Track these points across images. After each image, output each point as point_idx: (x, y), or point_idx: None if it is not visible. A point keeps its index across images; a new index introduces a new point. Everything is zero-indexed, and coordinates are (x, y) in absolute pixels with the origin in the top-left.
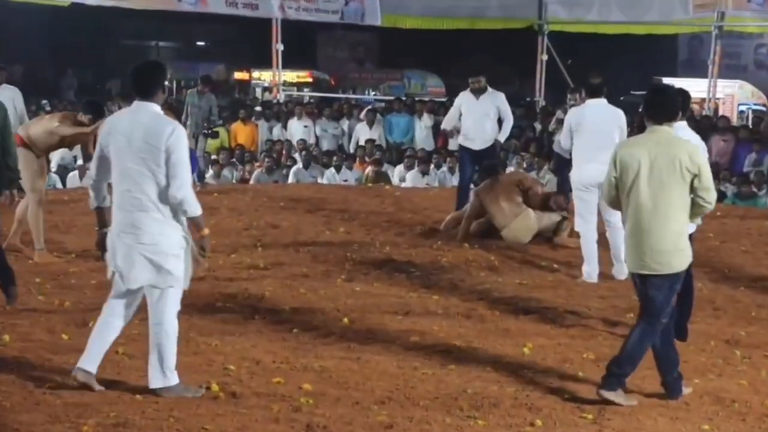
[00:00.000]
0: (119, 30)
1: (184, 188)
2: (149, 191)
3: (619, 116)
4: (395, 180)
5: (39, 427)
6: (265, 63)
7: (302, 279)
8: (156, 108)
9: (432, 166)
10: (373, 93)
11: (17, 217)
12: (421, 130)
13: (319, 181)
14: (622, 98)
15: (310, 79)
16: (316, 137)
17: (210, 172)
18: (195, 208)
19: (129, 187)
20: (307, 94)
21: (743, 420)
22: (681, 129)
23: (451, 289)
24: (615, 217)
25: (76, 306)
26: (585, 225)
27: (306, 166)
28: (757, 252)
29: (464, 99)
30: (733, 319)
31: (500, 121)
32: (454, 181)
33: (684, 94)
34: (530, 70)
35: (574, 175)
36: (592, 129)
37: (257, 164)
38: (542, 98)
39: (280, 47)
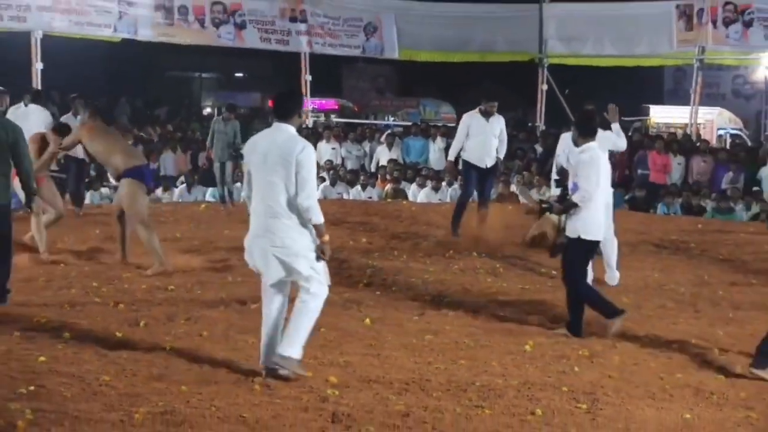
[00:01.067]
0: (165, 63)
1: (311, 198)
2: (281, 200)
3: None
4: (411, 196)
5: (96, 415)
6: None
7: (333, 280)
8: (291, 129)
9: (444, 183)
10: (392, 119)
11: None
12: (435, 151)
13: (344, 197)
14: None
15: (336, 107)
16: (342, 158)
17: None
18: (318, 217)
19: (264, 196)
20: (333, 119)
21: (720, 410)
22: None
23: (462, 293)
24: (609, 230)
25: (128, 307)
26: None
27: (333, 184)
28: (734, 260)
29: (473, 120)
30: (712, 320)
31: None
32: None
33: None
34: (532, 98)
35: None
36: None
37: None
38: (542, 123)
39: (309, 78)
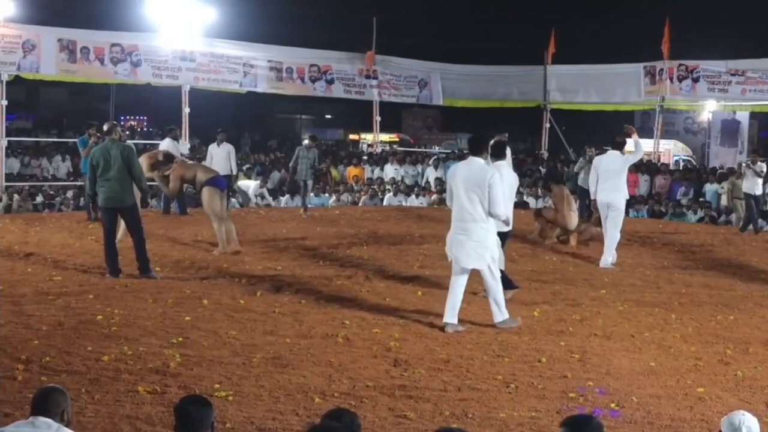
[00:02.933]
0: (276, 107)
1: (499, 208)
2: (477, 210)
3: (627, 160)
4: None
5: (225, 359)
6: (368, 128)
7: (391, 266)
8: (481, 161)
9: None
10: (438, 147)
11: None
12: None
13: (403, 204)
14: (597, 153)
15: (397, 139)
16: (401, 176)
17: (333, 198)
18: (504, 215)
19: (464, 206)
20: (395, 148)
21: (676, 360)
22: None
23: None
24: (616, 229)
25: (248, 281)
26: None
27: (395, 194)
28: (685, 251)
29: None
30: (669, 294)
31: None
32: None
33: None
34: (538, 133)
35: (599, 198)
36: (608, 169)
37: (363, 193)
38: (546, 151)
39: (378, 119)
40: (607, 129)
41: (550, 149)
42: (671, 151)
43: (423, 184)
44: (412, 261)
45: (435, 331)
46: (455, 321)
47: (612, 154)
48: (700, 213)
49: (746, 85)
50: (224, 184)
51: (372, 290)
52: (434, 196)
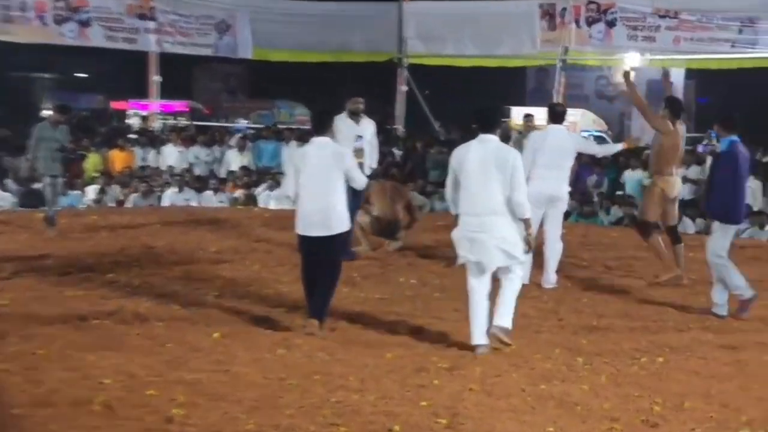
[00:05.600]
0: (2, 62)
1: (523, 195)
2: (499, 199)
3: (577, 141)
4: (262, 203)
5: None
6: (142, 93)
7: (175, 296)
8: (496, 139)
9: None
10: (245, 121)
11: None
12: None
13: (192, 204)
14: (474, 125)
15: (186, 109)
16: (189, 163)
17: (89, 196)
18: (527, 212)
19: (481, 197)
20: (181, 122)
21: (584, 422)
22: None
23: None
24: (559, 230)
25: None
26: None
27: (180, 190)
28: (596, 266)
29: (343, 122)
30: (575, 329)
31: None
32: None
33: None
34: (391, 100)
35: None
36: (553, 150)
37: (131, 188)
38: (402, 126)
39: (158, 79)
40: (487, 94)
41: (409, 123)
42: (578, 123)
43: (223, 175)
44: (205, 288)
45: (237, 391)
46: (486, 341)
47: (555, 130)
48: (618, 212)
49: (680, 32)
50: None
51: (145, 333)
52: (239, 192)
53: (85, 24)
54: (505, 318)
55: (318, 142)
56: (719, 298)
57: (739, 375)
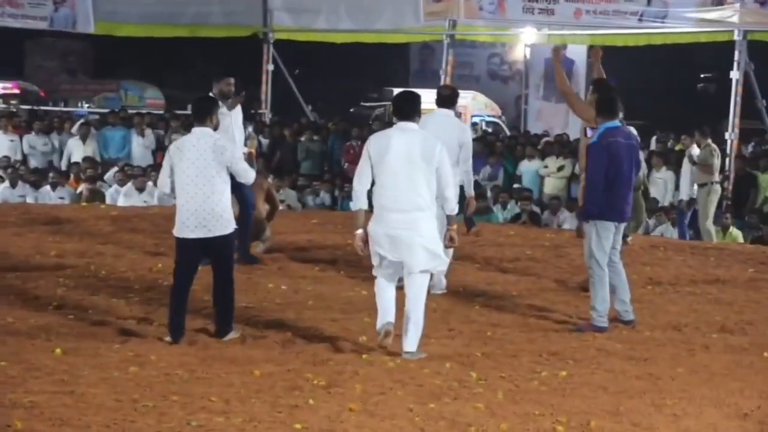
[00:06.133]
0: None
1: (451, 190)
2: (424, 194)
3: (464, 130)
4: (110, 199)
5: None
6: None
7: (8, 308)
8: (416, 127)
9: (150, 182)
10: (87, 105)
11: None
12: (138, 144)
13: (28, 200)
14: (352, 109)
15: (17, 91)
16: (23, 154)
17: None
18: (455, 207)
19: (406, 191)
20: (13, 106)
21: None
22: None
23: None
24: None
25: None
26: None
27: (13, 185)
28: (489, 269)
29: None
30: (468, 340)
31: None
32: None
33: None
34: (255, 80)
35: None
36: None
37: None
38: (268, 110)
39: None
40: (366, 74)
41: (275, 106)
42: (468, 108)
43: (63, 167)
44: (45, 298)
45: (84, 415)
46: (393, 319)
47: (441, 115)
48: (514, 207)
49: (582, 4)
50: None
51: None
52: (82, 187)
53: None
54: (413, 341)
55: (197, 132)
56: (620, 305)
57: (650, 389)
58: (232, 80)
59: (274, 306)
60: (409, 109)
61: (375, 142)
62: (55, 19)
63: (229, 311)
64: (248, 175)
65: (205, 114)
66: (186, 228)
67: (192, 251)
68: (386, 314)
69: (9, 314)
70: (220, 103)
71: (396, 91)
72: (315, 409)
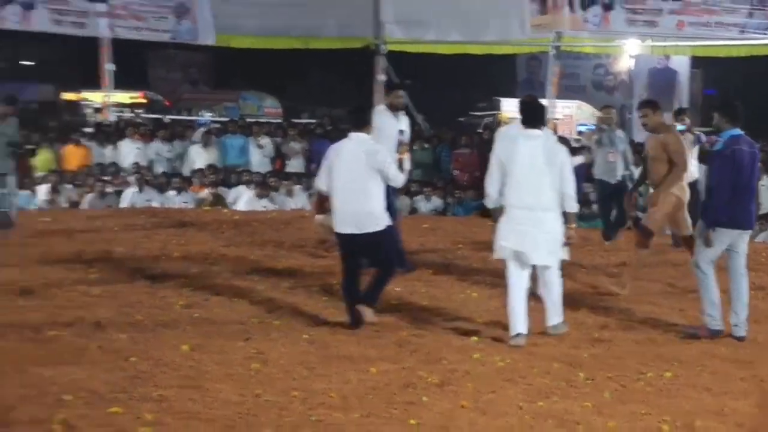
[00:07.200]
0: None
1: (573, 190)
2: (550, 195)
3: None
4: (231, 203)
5: None
6: (94, 83)
7: (138, 306)
8: (541, 133)
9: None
10: (208, 114)
11: None
12: (257, 152)
13: (154, 204)
14: (461, 119)
15: (143, 100)
16: (150, 160)
17: (40, 197)
18: (576, 206)
19: (534, 193)
20: (139, 114)
21: None
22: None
23: (294, 315)
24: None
25: None
26: None
27: (140, 190)
28: (596, 272)
29: (383, 117)
30: (576, 340)
31: None
32: (293, 204)
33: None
34: (367, 90)
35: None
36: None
37: (87, 188)
38: None
39: (111, 67)
40: (474, 84)
41: None
42: (574, 117)
43: (187, 173)
44: (171, 297)
45: (210, 409)
46: (526, 330)
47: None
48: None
49: (684, 16)
50: None
51: (107, 346)
52: (205, 191)
53: (28, 6)
54: (556, 315)
55: (354, 137)
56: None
57: (755, 392)
58: (401, 92)
59: (389, 307)
60: (533, 118)
61: (503, 146)
62: (177, 32)
63: (375, 289)
64: (398, 179)
65: (362, 122)
66: (340, 224)
67: (347, 245)
68: (517, 323)
69: (138, 312)
70: (384, 110)
71: (504, 101)
72: (429, 406)
